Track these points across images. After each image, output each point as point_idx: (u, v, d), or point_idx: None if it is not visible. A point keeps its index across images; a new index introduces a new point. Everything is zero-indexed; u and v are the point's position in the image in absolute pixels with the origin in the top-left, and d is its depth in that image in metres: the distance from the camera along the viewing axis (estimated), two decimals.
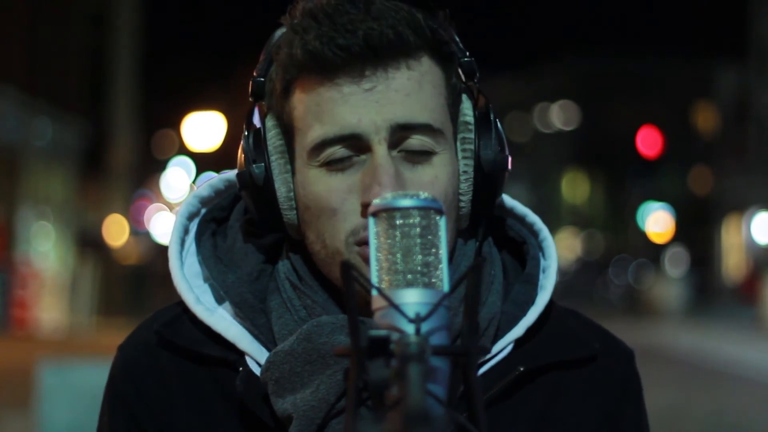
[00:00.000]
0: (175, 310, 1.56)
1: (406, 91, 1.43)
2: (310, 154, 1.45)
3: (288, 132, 1.49)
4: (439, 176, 1.45)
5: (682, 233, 52.88)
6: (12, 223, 25.33)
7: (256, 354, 1.50)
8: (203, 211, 1.61)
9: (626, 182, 58.98)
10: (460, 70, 1.51)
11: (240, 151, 1.51)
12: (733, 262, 44.34)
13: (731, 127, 46.18)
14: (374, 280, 1.17)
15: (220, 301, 1.55)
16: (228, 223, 1.59)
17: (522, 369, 1.50)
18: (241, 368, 1.49)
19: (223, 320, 1.52)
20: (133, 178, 37.71)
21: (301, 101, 1.46)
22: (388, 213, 1.18)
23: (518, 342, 1.53)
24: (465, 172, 1.49)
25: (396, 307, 1.11)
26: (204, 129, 33.17)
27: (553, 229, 67.20)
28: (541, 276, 1.58)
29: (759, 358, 19.20)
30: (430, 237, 1.18)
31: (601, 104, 64.48)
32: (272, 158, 1.48)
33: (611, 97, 63.86)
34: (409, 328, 1.10)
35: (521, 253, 1.60)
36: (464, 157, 1.49)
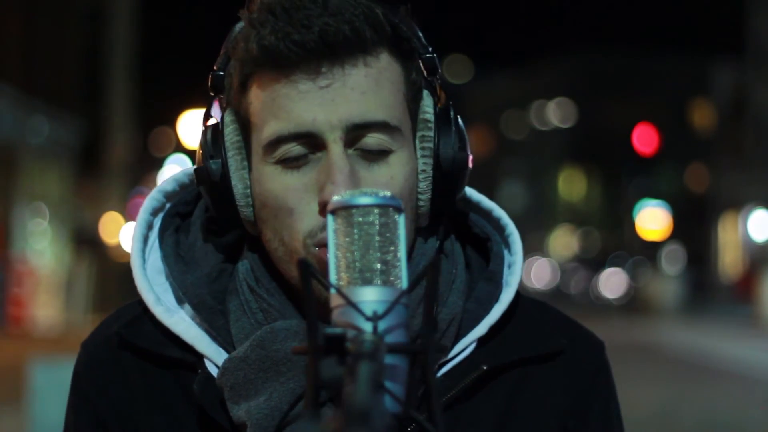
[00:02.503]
0: (137, 308, 1.55)
1: (363, 89, 1.41)
2: (265, 150, 1.43)
3: (245, 127, 1.47)
4: (396, 176, 1.43)
5: (678, 231, 52.86)
6: (8, 220, 25.29)
7: (214, 356, 1.48)
8: (168, 205, 1.59)
9: (623, 180, 58.95)
10: (422, 66, 1.48)
11: (198, 146, 1.49)
12: (729, 259, 44.30)
13: (728, 125, 46.13)
14: (333, 278, 1.16)
15: (180, 300, 1.53)
16: (191, 219, 1.57)
17: (485, 368, 1.49)
18: (199, 371, 1.48)
19: (182, 321, 1.50)
20: (129, 176, 37.62)
21: (257, 97, 1.44)
22: (346, 210, 1.17)
23: (482, 340, 1.51)
24: (424, 170, 1.46)
25: (353, 305, 1.10)
26: (201, 126, 33.14)
27: (550, 227, 67.45)
28: (506, 272, 1.55)
29: (755, 356, 19.21)
30: (388, 235, 1.17)
31: (597, 101, 64.49)
32: (229, 154, 1.46)
33: (608, 94, 63.87)
34: (367, 326, 1.09)
35: (487, 249, 1.57)
36: (423, 156, 1.47)
